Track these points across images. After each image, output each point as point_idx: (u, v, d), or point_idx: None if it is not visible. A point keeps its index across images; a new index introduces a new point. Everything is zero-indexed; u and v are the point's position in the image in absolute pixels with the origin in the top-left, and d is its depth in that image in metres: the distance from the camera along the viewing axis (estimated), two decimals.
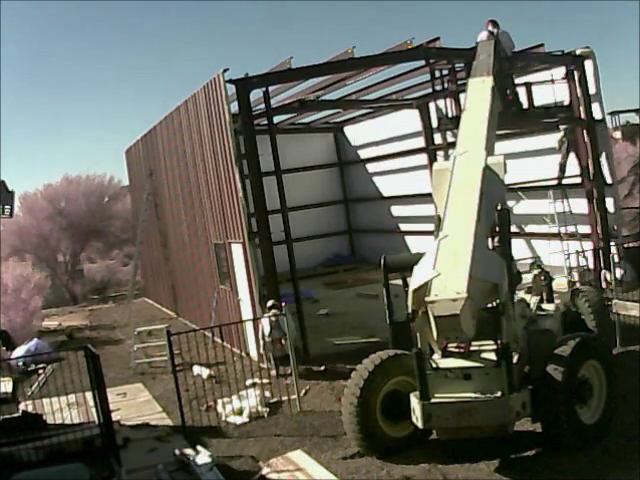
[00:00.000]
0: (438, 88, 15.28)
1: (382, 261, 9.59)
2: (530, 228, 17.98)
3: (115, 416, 10.94)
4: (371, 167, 25.12)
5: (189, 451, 9.23)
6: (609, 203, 15.86)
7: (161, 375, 13.64)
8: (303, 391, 11.15)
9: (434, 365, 7.86)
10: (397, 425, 8.41)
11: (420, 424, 7.74)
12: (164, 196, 20.42)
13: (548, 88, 15.39)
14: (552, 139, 16.27)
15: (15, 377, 14.33)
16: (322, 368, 12.54)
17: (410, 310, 7.51)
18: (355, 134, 25.80)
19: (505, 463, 7.83)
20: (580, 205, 16.13)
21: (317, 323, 16.09)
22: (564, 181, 16.17)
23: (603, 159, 15.74)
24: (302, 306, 13.82)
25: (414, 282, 7.54)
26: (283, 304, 11.80)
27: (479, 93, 10.38)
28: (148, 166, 21.19)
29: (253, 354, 13.64)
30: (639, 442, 7.90)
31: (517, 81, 14.75)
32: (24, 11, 61.87)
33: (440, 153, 20.73)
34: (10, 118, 61.84)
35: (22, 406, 11.38)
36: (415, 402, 7.82)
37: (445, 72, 15.15)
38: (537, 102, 14.80)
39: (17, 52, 63.20)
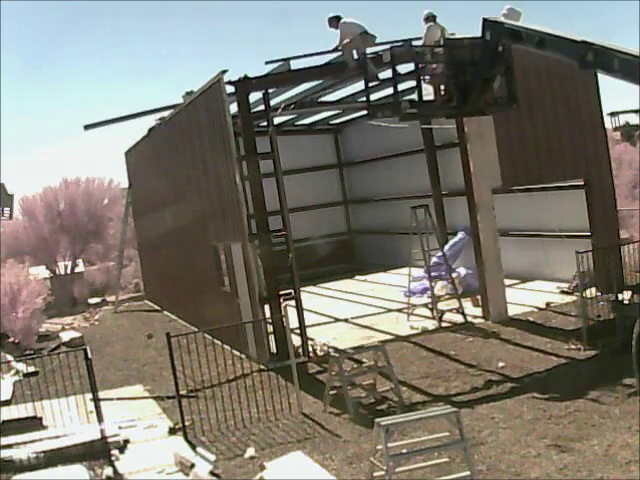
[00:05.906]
0: None
1: None
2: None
3: (115, 418, 10.95)
4: (371, 168, 25.08)
5: (189, 452, 9.21)
6: None
7: (162, 376, 13.65)
8: (303, 392, 11.14)
9: None
10: None
11: None
12: (164, 197, 20.40)
13: None
14: None
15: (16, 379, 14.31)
16: None
17: None
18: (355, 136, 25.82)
19: None
20: (580, 206, 16.11)
21: None
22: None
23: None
24: (302, 305, 13.85)
25: None
26: (283, 305, 11.78)
27: None
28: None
29: (253, 355, 13.66)
30: None
31: None
32: (21, 12, 62.03)
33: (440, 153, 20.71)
34: (10, 119, 61.89)
35: (22, 408, 11.35)
36: None
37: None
38: None
39: (16, 54, 63.37)
